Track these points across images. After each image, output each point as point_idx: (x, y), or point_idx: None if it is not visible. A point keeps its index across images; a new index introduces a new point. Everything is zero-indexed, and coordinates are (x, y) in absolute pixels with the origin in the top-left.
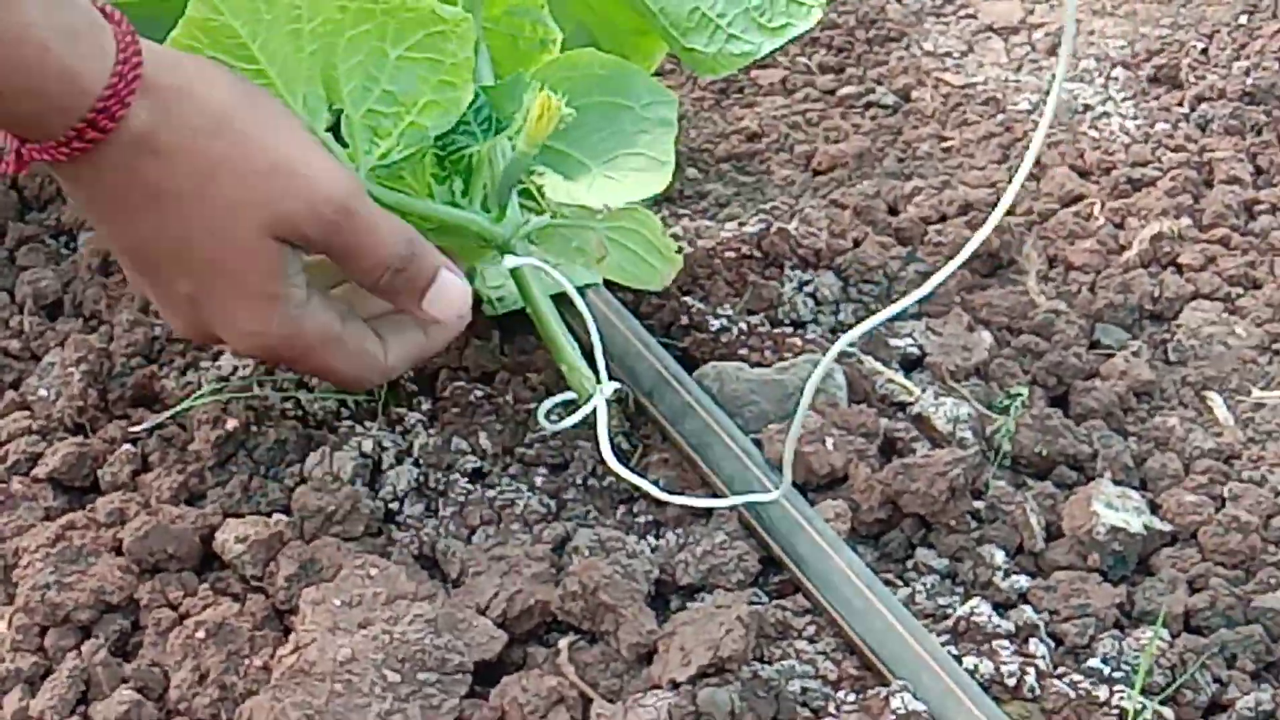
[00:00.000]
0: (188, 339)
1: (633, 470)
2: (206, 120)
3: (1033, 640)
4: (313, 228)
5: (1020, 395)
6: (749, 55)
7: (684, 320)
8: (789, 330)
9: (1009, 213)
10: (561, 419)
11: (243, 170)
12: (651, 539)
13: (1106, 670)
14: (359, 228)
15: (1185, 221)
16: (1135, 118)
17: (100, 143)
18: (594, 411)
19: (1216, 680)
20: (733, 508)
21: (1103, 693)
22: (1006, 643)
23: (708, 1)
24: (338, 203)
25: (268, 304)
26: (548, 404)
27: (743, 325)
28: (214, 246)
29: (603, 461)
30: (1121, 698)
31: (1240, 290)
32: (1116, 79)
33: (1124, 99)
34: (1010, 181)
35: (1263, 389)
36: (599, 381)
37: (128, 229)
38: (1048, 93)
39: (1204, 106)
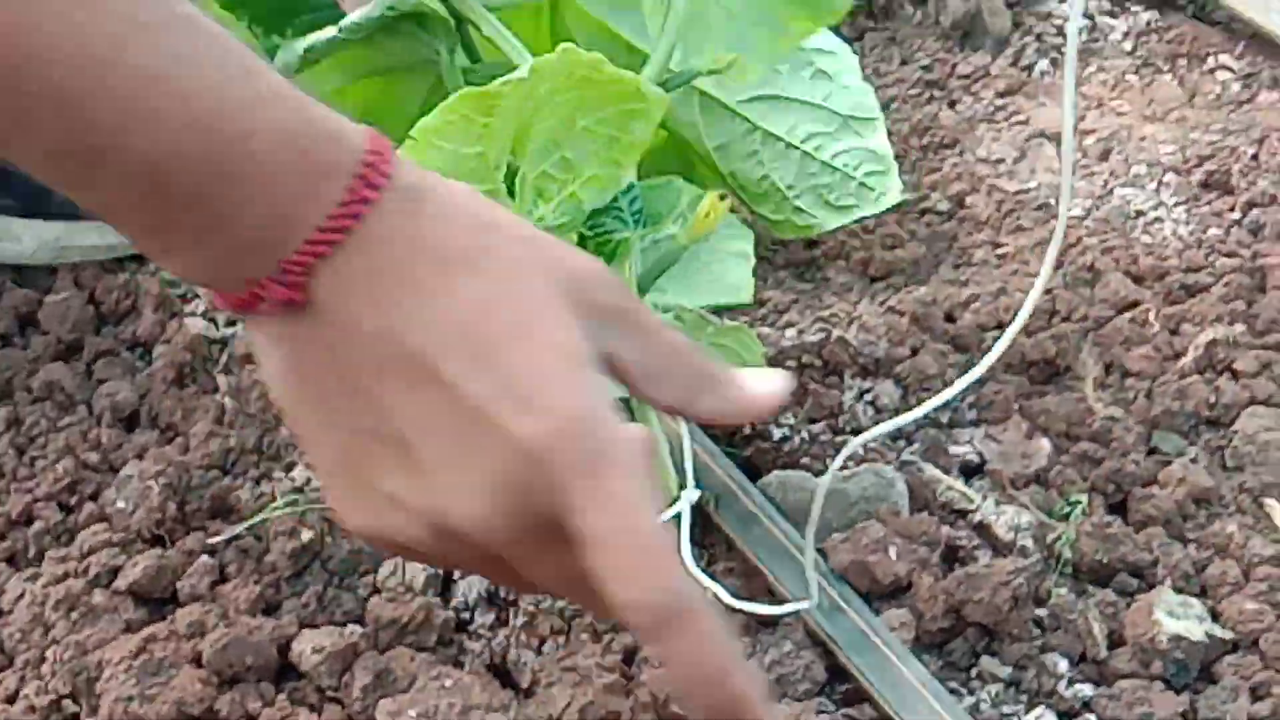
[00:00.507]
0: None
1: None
2: (465, 198)
3: None
4: (604, 290)
5: (1080, 503)
6: (814, 228)
7: (746, 429)
8: (850, 438)
9: (1065, 319)
10: None
11: (515, 235)
12: None
13: None
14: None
15: (1240, 327)
16: (1188, 223)
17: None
18: (677, 516)
19: None
20: (796, 614)
21: None
22: None
23: (778, 172)
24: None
25: (574, 366)
26: None
27: (804, 434)
28: (508, 311)
29: None
30: None
31: None
32: (1169, 184)
33: (1176, 204)
34: (1066, 288)
35: None
36: (682, 486)
37: (325, 414)
38: (1100, 198)
39: (1255, 212)
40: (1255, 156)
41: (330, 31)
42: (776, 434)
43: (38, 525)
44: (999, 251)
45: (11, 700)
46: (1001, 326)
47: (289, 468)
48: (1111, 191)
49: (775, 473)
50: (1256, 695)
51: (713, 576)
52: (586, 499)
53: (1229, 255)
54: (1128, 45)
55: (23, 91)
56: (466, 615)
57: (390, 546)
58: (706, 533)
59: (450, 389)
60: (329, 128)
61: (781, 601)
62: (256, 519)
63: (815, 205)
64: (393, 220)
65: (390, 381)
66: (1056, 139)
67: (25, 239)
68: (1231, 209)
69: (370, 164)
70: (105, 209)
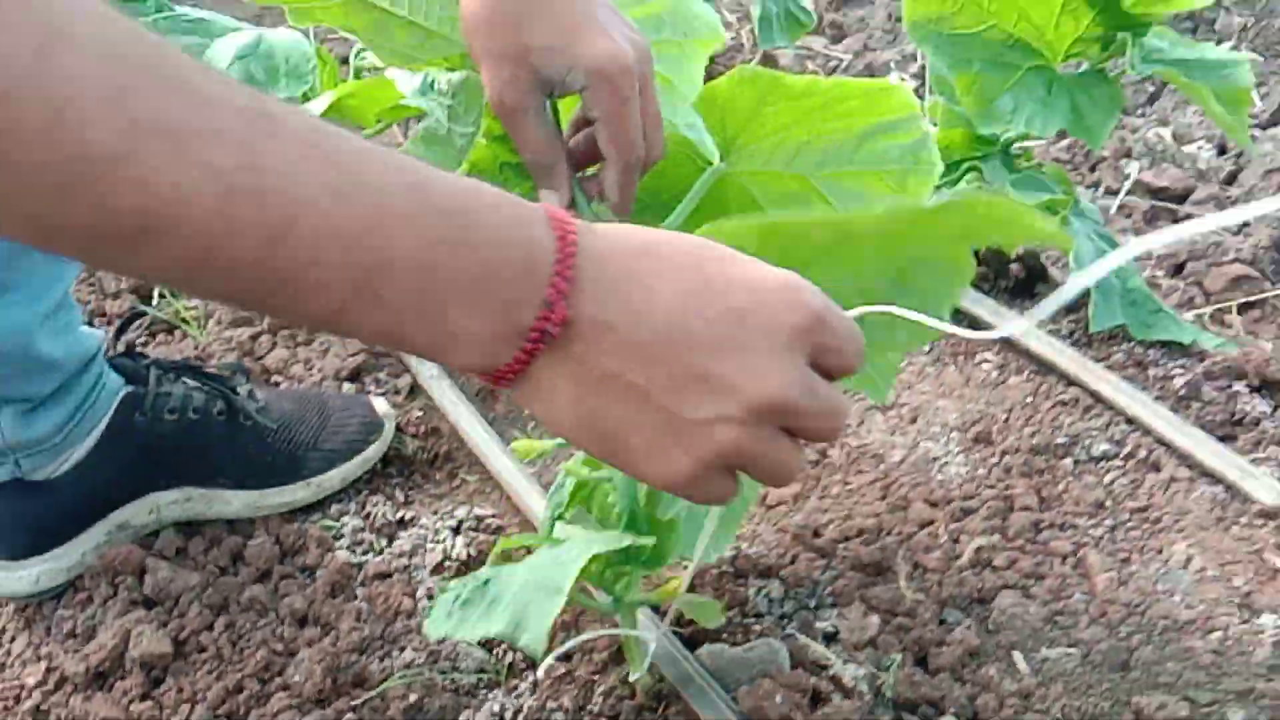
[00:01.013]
0: (683, 484)
1: None
2: (686, 255)
3: None
4: (826, 328)
5: (896, 659)
6: None
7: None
8: (753, 621)
9: (888, 534)
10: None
11: (757, 299)
12: None
13: None
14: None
15: (997, 536)
16: (965, 465)
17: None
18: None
19: None
20: None
21: None
22: None
23: None
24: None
25: (798, 347)
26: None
27: (725, 618)
28: (736, 346)
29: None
30: None
31: (1032, 581)
32: (954, 439)
33: (958, 453)
34: (889, 513)
35: (1047, 649)
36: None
37: (620, 390)
38: (911, 449)
39: (1007, 458)
40: (1007, 420)
41: None
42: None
43: (244, 693)
44: (848, 488)
45: None
46: (848, 539)
47: (402, 649)
48: (918, 444)
49: (706, 645)
50: None
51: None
52: (837, 325)
53: (990, 487)
54: (926, 346)
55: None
56: None
57: (707, 470)
58: (661, 683)
59: (724, 319)
60: (514, 200)
61: None
62: (383, 687)
63: None
64: (592, 242)
65: (677, 343)
66: (884, 410)
67: (234, 503)
68: (992, 455)
69: (551, 215)
70: (392, 330)
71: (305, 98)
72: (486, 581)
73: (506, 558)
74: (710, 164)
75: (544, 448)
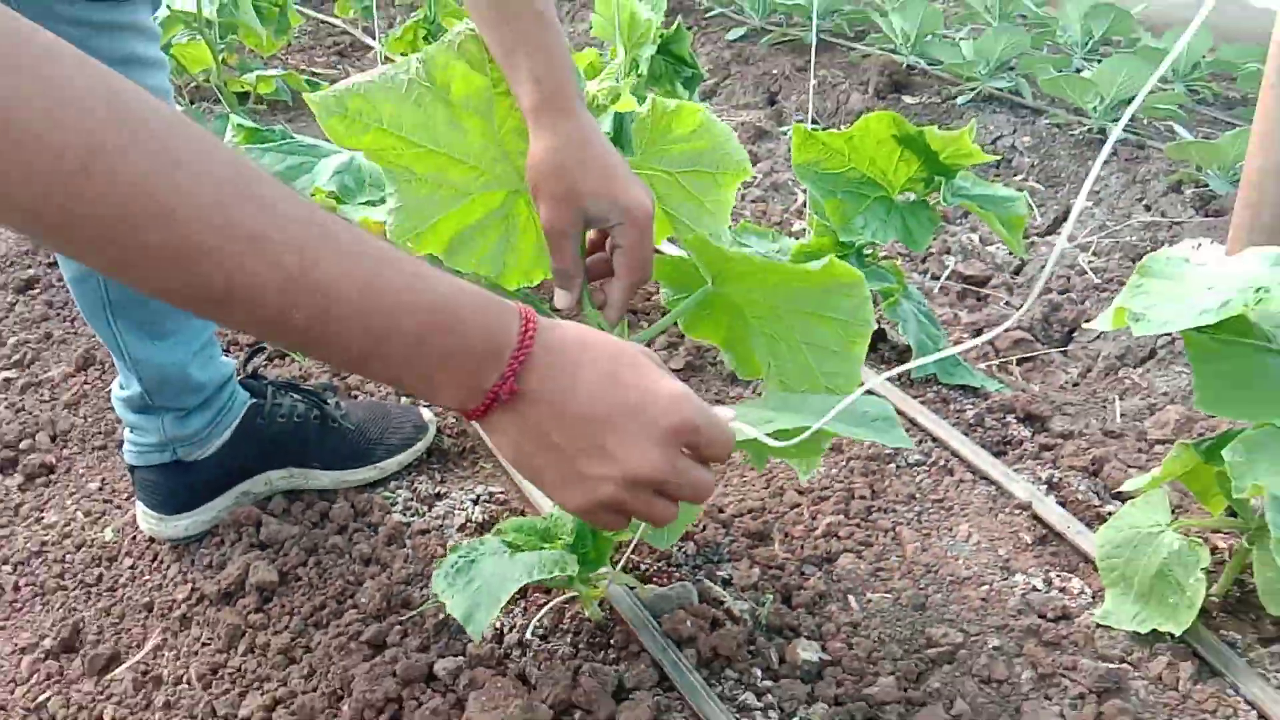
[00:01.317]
0: (580, 511)
1: None
2: (602, 368)
3: None
4: (699, 432)
5: (771, 598)
6: None
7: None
8: (674, 570)
9: (769, 512)
10: None
11: (648, 400)
12: None
13: None
14: (714, 427)
15: (841, 516)
16: (823, 466)
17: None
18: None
19: None
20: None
21: None
22: None
23: None
24: (691, 416)
25: (670, 443)
26: None
27: (656, 566)
28: (624, 433)
29: None
30: None
31: (863, 547)
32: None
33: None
34: (771, 498)
35: (871, 594)
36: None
37: (542, 447)
38: None
39: (851, 462)
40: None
41: None
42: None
43: (326, 610)
44: (744, 480)
45: None
46: (741, 515)
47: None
48: None
49: (641, 586)
50: (838, 699)
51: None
52: (708, 431)
53: (839, 482)
54: None
55: (361, 326)
56: None
57: (594, 508)
58: (610, 612)
59: (621, 411)
60: (495, 300)
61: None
62: (420, 609)
63: None
64: (548, 338)
65: (587, 420)
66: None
67: (323, 479)
68: (841, 460)
69: (523, 313)
70: (393, 378)
71: (382, 200)
72: (474, 561)
73: (499, 532)
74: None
75: None
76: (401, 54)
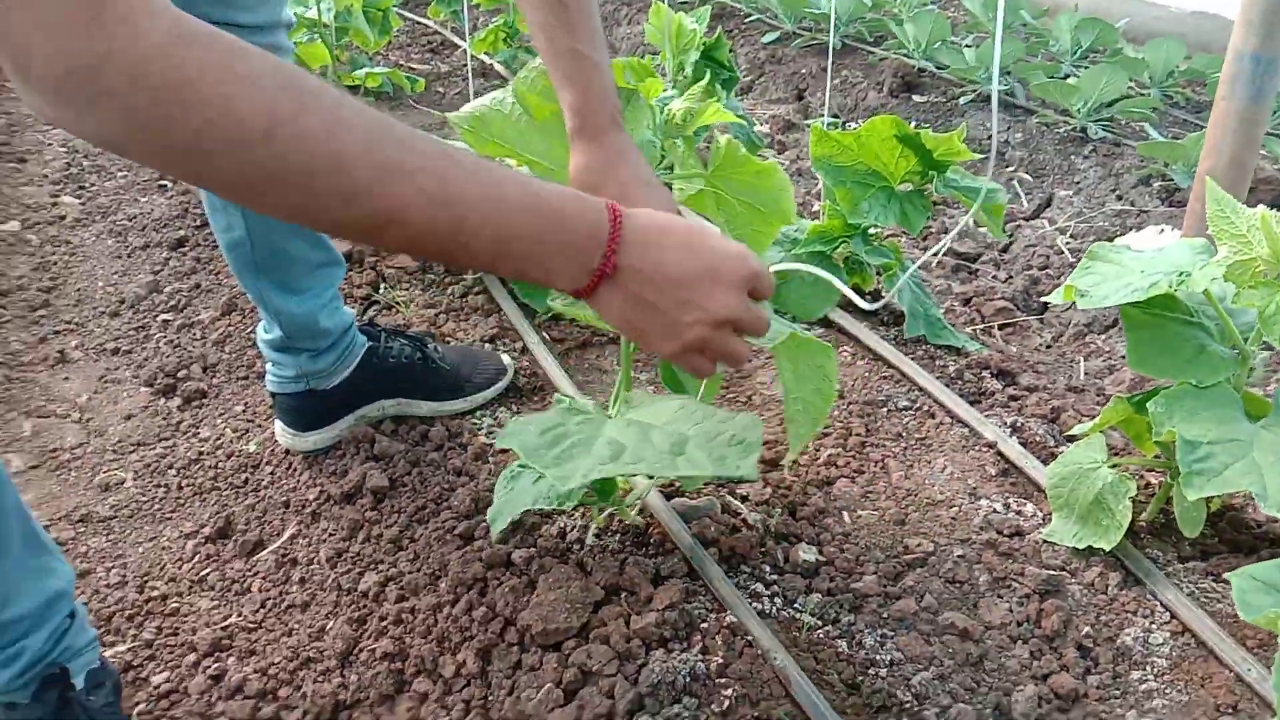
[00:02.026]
0: (675, 356)
1: None
2: (681, 239)
3: None
4: (760, 279)
5: (779, 510)
6: None
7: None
8: (702, 486)
9: (780, 445)
10: None
11: (720, 259)
12: None
13: None
14: (767, 275)
15: (840, 449)
16: None
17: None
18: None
19: None
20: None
21: None
22: None
23: None
24: (754, 265)
25: (742, 289)
26: None
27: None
28: (708, 287)
29: None
30: None
31: (857, 474)
32: None
33: None
34: (784, 433)
35: (862, 511)
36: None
37: (641, 305)
38: None
39: (851, 405)
40: (852, 385)
41: None
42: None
43: (427, 510)
44: (763, 418)
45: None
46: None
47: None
48: None
49: (674, 499)
50: (830, 591)
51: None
52: (764, 277)
53: (840, 422)
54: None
55: (483, 230)
56: None
57: (687, 352)
58: (650, 518)
59: (703, 270)
60: (588, 198)
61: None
62: None
63: None
64: (633, 222)
65: (676, 281)
66: None
67: (424, 408)
68: (842, 404)
69: (609, 205)
70: (520, 271)
71: None
72: (516, 476)
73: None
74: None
75: (576, 314)
76: (485, 53)
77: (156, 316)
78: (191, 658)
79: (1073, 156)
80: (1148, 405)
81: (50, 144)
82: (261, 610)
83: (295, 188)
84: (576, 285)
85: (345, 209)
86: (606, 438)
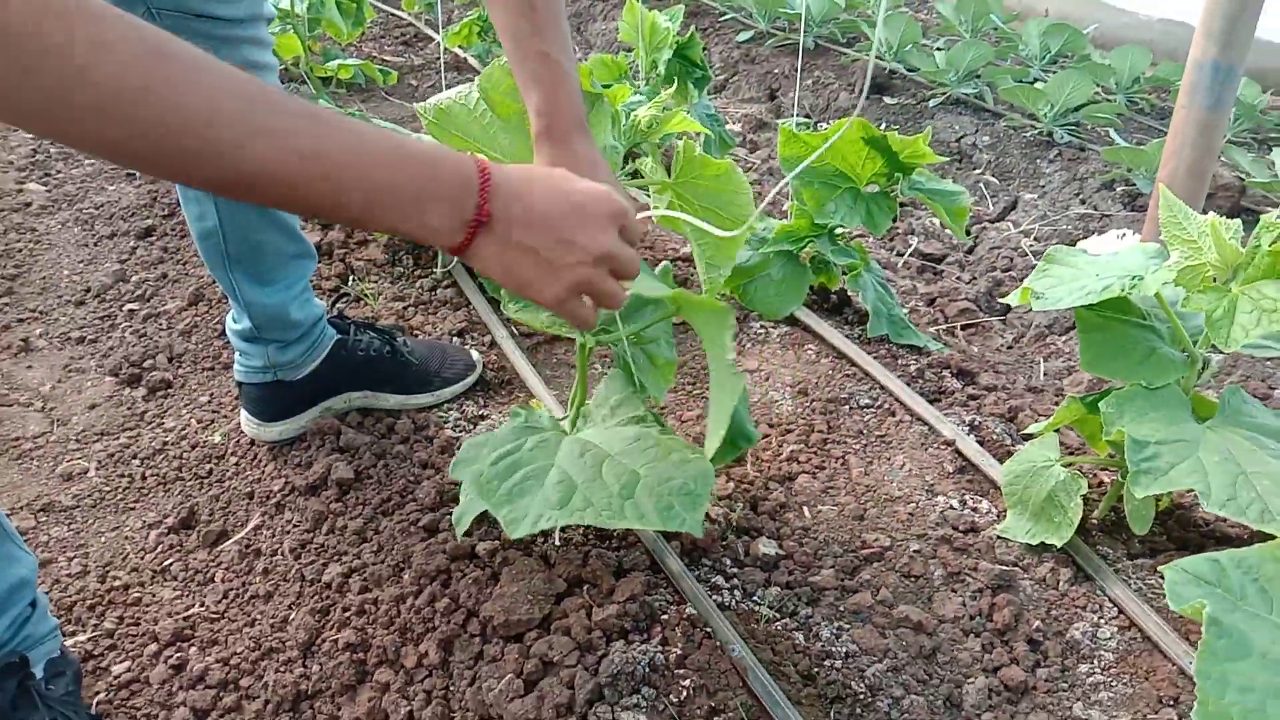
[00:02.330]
0: (560, 302)
1: None
2: (548, 182)
3: None
4: (627, 216)
5: (739, 506)
6: None
7: None
8: None
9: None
10: None
11: (587, 197)
12: None
13: None
14: (632, 214)
15: (802, 445)
16: (791, 406)
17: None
18: None
19: None
20: None
21: None
22: None
23: None
24: (621, 203)
25: (612, 226)
26: None
27: None
28: (579, 225)
29: None
30: None
31: (818, 470)
32: (786, 391)
33: (788, 399)
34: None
35: (822, 506)
36: None
37: (520, 251)
38: (761, 396)
39: (814, 403)
40: (816, 382)
41: None
42: None
43: (392, 502)
44: None
45: None
46: None
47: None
48: (768, 393)
49: None
50: (789, 584)
51: None
52: (631, 215)
53: (803, 419)
54: (775, 336)
55: (345, 185)
56: None
57: (568, 295)
58: None
59: (574, 209)
60: (457, 154)
61: (639, 543)
62: None
63: None
64: (500, 171)
65: (550, 222)
66: (749, 372)
67: (391, 401)
68: (806, 401)
69: (475, 159)
70: (396, 226)
71: None
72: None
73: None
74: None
75: (528, 319)
76: (459, 47)
77: (122, 306)
78: (153, 647)
79: (1038, 160)
80: (1099, 405)
81: (15, 130)
82: (224, 600)
83: (166, 147)
84: (454, 240)
85: (216, 167)
86: (559, 470)
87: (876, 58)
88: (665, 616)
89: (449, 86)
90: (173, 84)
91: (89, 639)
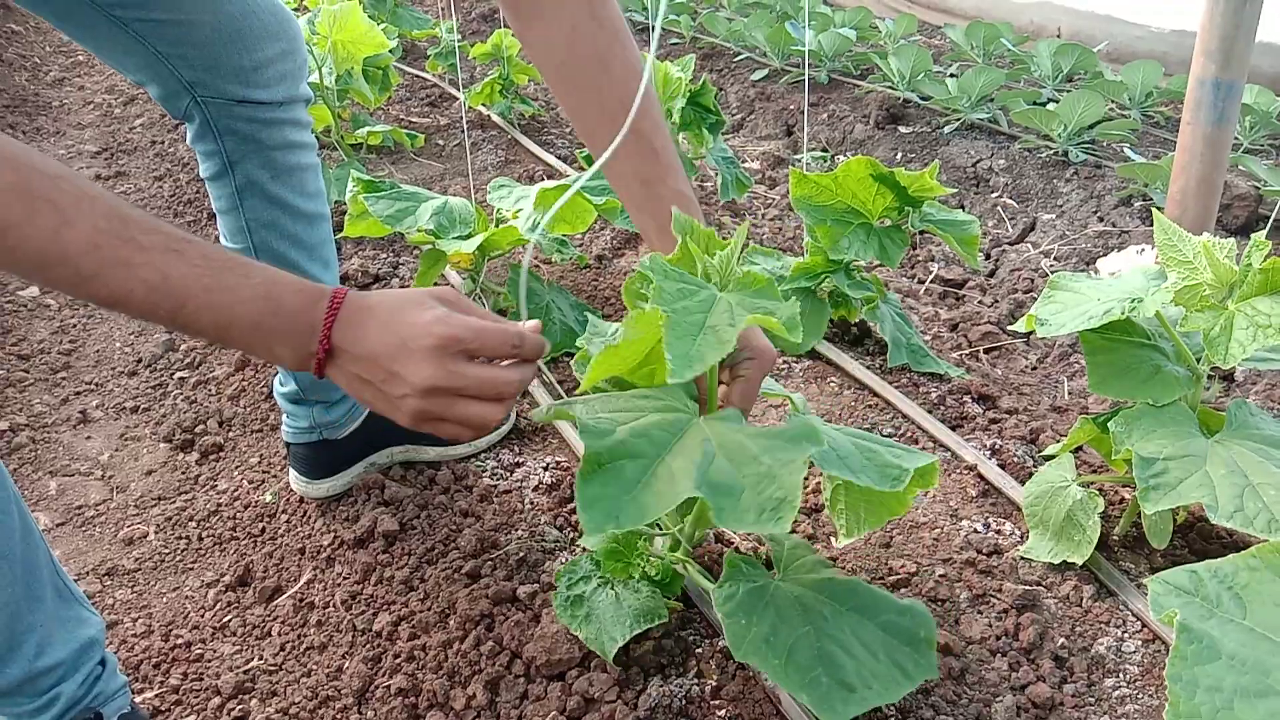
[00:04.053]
0: (416, 424)
1: None
2: (380, 317)
3: None
4: (463, 342)
5: None
6: None
7: None
8: None
9: None
10: None
11: (410, 330)
12: None
13: None
14: (484, 333)
15: None
16: None
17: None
18: None
19: None
20: None
21: None
22: None
23: None
24: (451, 329)
25: (435, 357)
26: None
27: None
28: (400, 358)
29: None
30: None
31: None
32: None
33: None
34: None
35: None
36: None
37: (361, 382)
38: None
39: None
40: (839, 413)
41: None
42: None
43: (435, 551)
44: None
45: None
46: None
47: (516, 529)
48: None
49: None
50: None
51: None
52: (476, 337)
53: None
54: (799, 370)
55: (184, 311)
56: None
57: (415, 421)
58: None
59: (394, 344)
60: (309, 285)
61: None
62: (505, 549)
63: None
64: (350, 306)
65: (375, 357)
66: (774, 405)
67: (430, 453)
68: None
69: (333, 291)
70: (248, 351)
71: (470, 235)
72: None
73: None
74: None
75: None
76: (482, 105)
77: (173, 374)
78: (216, 701)
79: (1055, 180)
80: (1109, 425)
81: None
82: (281, 653)
83: (32, 274)
84: (302, 367)
85: (77, 290)
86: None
87: (889, 87)
88: (699, 650)
89: (473, 145)
90: (35, 224)
91: (156, 695)
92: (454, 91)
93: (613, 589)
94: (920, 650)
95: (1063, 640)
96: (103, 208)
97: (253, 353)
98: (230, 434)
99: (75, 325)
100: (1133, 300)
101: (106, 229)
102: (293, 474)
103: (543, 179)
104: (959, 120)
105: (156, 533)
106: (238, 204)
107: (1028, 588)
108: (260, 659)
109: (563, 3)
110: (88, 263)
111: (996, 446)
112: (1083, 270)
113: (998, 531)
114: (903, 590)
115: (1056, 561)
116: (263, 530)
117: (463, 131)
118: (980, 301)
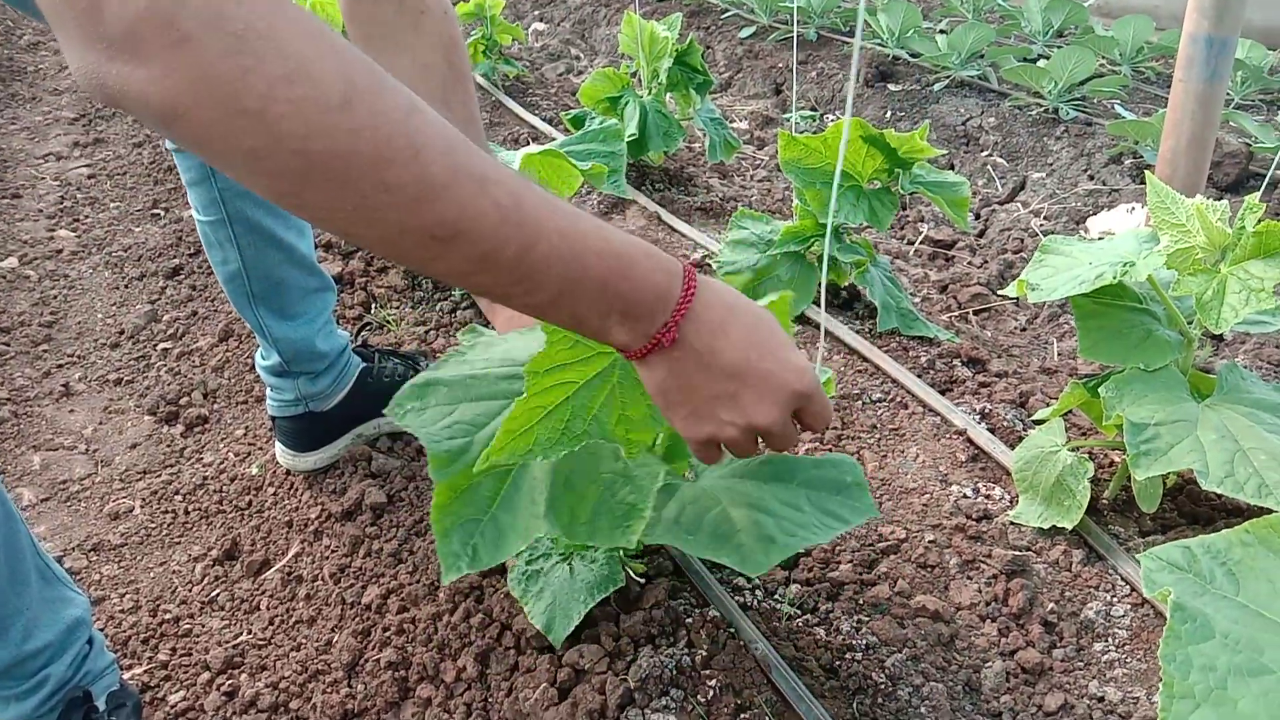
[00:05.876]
0: (690, 438)
1: None
2: (744, 329)
3: None
4: (812, 401)
5: None
6: None
7: None
8: None
9: None
10: None
11: (779, 365)
12: None
13: None
14: (823, 400)
15: (818, 440)
16: None
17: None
18: None
19: None
20: None
21: None
22: None
23: None
24: (810, 387)
25: (788, 407)
26: None
27: None
28: (756, 391)
29: None
30: None
31: None
32: None
33: None
34: None
35: None
36: None
37: (686, 389)
38: None
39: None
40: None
41: None
42: None
43: (424, 523)
44: None
45: None
46: None
47: None
48: None
49: None
50: (809, 581)
51: None
52: (817, 402)
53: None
54: None
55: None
56: None
57: (710, 443)
58: None
59: (758, 372)
60: (663, 256)
61: (662, 549)
62: None
63: None
64: (705, 296)
65: (729, 374)
66: None
67: None
68: None
69: (686, 269)
70: (578, 319)
71: None
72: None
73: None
74: None
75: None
76: None
77: (156, 345)
78: (206, 676)
79: (1045, 138)
80: (1100, 390)
81: (44, 178)
82: (270, 627)
83: (363, 176)
84: (628, 346)
85: (414, 210)
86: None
87: (879, 45)
88: (690, 620)
89: None
90: (384, 100)
91: (145, 671)
92: None
93: (569, 564)
94: (852, 494)
95: (1052, 605)
96: (439, 115)
97: (581, 320)
98: (215, 406)
99: (56, 297)
100: (1124, 264)
101: (456, 134)
102: (279, 447)
103: (528, 143)
104: (949, 78)
105: (142, 507)
106: (209, 174)
107: (1017, 553)
108: (249, 633)
109: (413, 44)
110: (440, 166)
111: (986, 410)
112: (1073, 229)
113: (987, 497)
114: (892, 557)
115: (1046, 526)
116: (249, 503)
117: None
118: (970, 262)
